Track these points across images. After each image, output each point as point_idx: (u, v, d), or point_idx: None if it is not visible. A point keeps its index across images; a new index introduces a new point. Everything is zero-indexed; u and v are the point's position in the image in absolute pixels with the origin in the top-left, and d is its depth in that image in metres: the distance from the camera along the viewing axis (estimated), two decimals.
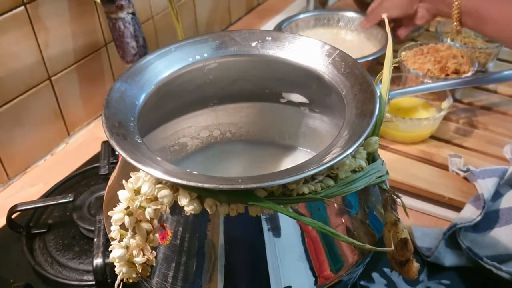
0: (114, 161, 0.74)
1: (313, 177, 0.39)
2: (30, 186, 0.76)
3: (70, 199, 0.65)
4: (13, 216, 0.66)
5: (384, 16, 0.48)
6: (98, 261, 0.56)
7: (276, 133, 0.61)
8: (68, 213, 0.69)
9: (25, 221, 0.68)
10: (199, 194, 0.39)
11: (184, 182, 0.36)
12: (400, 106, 0.77)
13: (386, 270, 0.61)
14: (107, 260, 0.56)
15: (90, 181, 0.73)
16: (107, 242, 0.42)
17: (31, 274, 0.62)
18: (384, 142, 0.77)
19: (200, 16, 1.07)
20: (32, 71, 0.75)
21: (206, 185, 0.36)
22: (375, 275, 0.61)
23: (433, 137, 0.77)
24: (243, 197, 0.38)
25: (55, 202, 0.66)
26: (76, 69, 0.82)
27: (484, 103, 0.85)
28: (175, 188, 0.39)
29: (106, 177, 0.70)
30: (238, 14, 1.21)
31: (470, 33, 0.92)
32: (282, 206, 0.38)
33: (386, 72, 0.46)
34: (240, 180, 0.36)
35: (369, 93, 0.43)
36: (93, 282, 0.57)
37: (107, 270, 0.56)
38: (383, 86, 0.45)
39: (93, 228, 0.62)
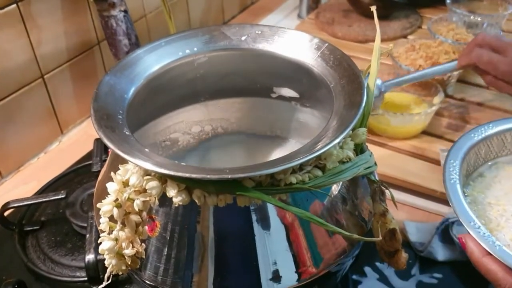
0: (107, 158, 0.74)
1: (301, 168, 0.39)
2: (24, 184, 0.76)
3: (63, 196, 0.65)
4: (5, 214, 0.66)
5: (373, 9, 0.48)
6: (90, 257, 0.56)
7: (267, 127, 0.61)
8: (60, 210, 0.69)
9: (17, 218, 0.68)
10: (188, 185, 0.39)
11: (172, 173, 0.36)
12: (392, 101, 0.78)
13: (378, 264, 0.61)
14: (99, 256, 0.56)
15: (83, 179, 0.74)
16: (99, 238, 0.42)
17: (23, 271, 0.62)
18: (376, 138, 0.77)
19: (193, 14, 1.07)
20: (24, 69, 0.75)
21: (194, 175, 0.36)
22: (367, 269, 0.61)
23: (425, 132, 0.78)
24: (231, 187, 0.38)
25: (47, 199, 0.66)
26: (69, 67, 0.82)
27: (476, 98, 0.85)
28: (163, 179, 0.39)
29: (99, 174, 0.70)
30: (231, 13, 1.21)
31: (462, 29, 0.93)
32: (270, 196, 0.38)
33: (374, 64, 0.46)
34: (228, 171, 0.36)
35: (357, 85, 0.43)
36: (86, 278, 0.57)
37: (99, 266, 0.56)
38: (370, 78, 0.45)
39: (85, 225, 0.62)
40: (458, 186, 0.50)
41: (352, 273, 0.60)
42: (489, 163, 0.59)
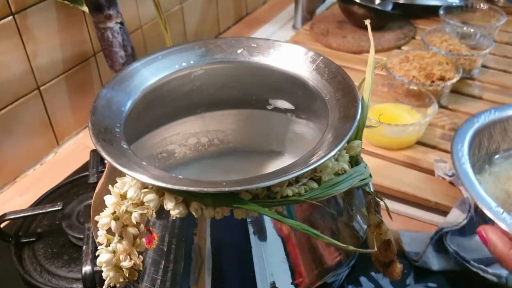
0: (103, 169, 0.74)
1: (297, 180, 0.40)
2: (20, 196, 0.76)
3: (59, 208, 0.65)
4: (2, 225, 0.66)
5: (367, 22, 0.49)
6: (87, 268, 0.56)
7: (263, 139, 0.62)
8: (57, 222, 0.69)
9: (14, 230, 0.68)
10: (185, 198, 0.39)
11: (169, 186, 0.37)
12: (386, 112, 0.78)
13: (374, 274, 0.62)
14: (96, 268, 0.56)
15: (79, 190, 0.74)
16: (96, 250, 0.42)
17: (20, 283, 0.62)
18: (370, 148, 0.78)
19: (188, 25, 1.08)
20: (20, 81, 0.75)
21: (191, 189, 0.36)
22: (362, 279, 0.61)
23: (419, 142, 0.78)
24: (228, 200, 0.38)
25: (44, 211, 0.66)
26: (65, 78, 0.82)
27: (469, 109, 0.86)
28: (160, 192, 0.40)
29: (95, 186, 0.70)
30: (226, 24, 1.22)
31: (455, 40, 0.94)
32: (266, 208, 0.39)
33: (368, 77, 0.46)
34: (224, 183, 0.37)
35: (352, 98, 0.44)
36: None
37: (96, 278, 0.56)
38: (365, 91, 0.46)
39: (82, 236, 0.62)
40: (470, 170, 0.46)
41: (348, 283, 0.61)
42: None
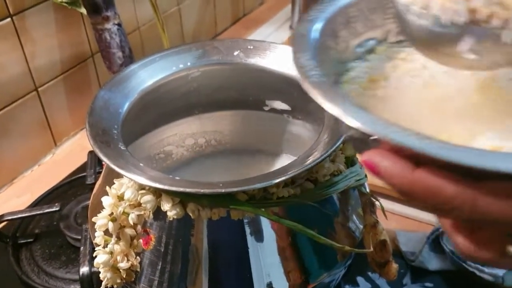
0: (101, 170, 0.74)
1: (293, 181, 0.40)
2: (17, 197, 0.76)
3: (57, 209, 0.66)
4: None
5: None
6: (84, 269, 0.56)
7: (260, 140, 0.62)
8: (54, 223, 0.69)
9: (11, 231, 0.68)
10: (182, 199, 0.39)
11: (167, 187, 0.37)
12: None
13: (370, 274, 0.62)
14: (93, 269, 0.56)
15: (77, 191, 0.74)
16: (94, 250, 0.42)
17: (17, 284, 0.62)
18: None
19: (186, 26, 1.08)
20: (18, 82, 0.75)
21: (188, 190, 0.37)
22: (359, 279, 0.62)
23: None
24: (224, 201, 0.39)
25: (41, 212, 0.66)
26: (63, 80, 0.83)
27: None
28: (158, 193, 0.40)
29: (93, 187, 0.70)
30: (224, 25, 1.22)
31: None
32: (263, 209, 0.39)
33: None
34: (221, 185, 0.37)
35: None
36: None
37: (94, 279, 0.56)
38: None
39: (79, 237, 0.63)
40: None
41: (344, 283, 0.61)
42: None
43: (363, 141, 0.28)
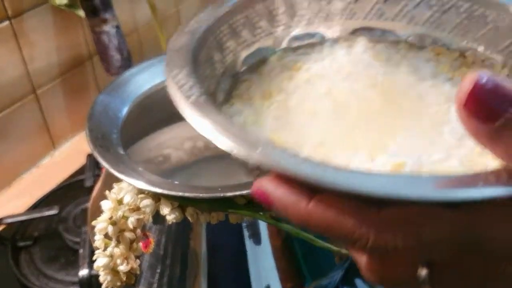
0: (99, 173, 0.74)
1: None
2: (16, 199, 0.77)
3: (56, 212, 0.66)
4: None
5: None
6: (83, 272, 0.57)
7: None
8: (53, 226, 0.69)
9: (10, 234, 0.68)
10: (181, 203, 0.40)
11: (166, 192, 0.37)
12: None
13: None
14: (92, 271, 0.56)
15: (75, 194, 0.74)
16: (93, 253, 0.43)
17: (17, 287, 0.62)
18: None
19: None
20: (17, 84, 0.76)
21: (187, 194, 0.37)
22: (357, 281, 0.62)
23: None
24: (223, 205, 0.39)
25: (40, 215, 0.66)
26: (61, 82, 0.83)
27: None
28: (157, 197, 0.40)
29: (91, 189, 0.71)
30: None
31: None
32: (261, 213, 0.39)
33: None
34: (220, 189, 0.38)
35: None
36: None
37: (93, 281, 0.57)
38: None
39: (78, 240, 0.63)
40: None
41: (343, 285, 0.61)
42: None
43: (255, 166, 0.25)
